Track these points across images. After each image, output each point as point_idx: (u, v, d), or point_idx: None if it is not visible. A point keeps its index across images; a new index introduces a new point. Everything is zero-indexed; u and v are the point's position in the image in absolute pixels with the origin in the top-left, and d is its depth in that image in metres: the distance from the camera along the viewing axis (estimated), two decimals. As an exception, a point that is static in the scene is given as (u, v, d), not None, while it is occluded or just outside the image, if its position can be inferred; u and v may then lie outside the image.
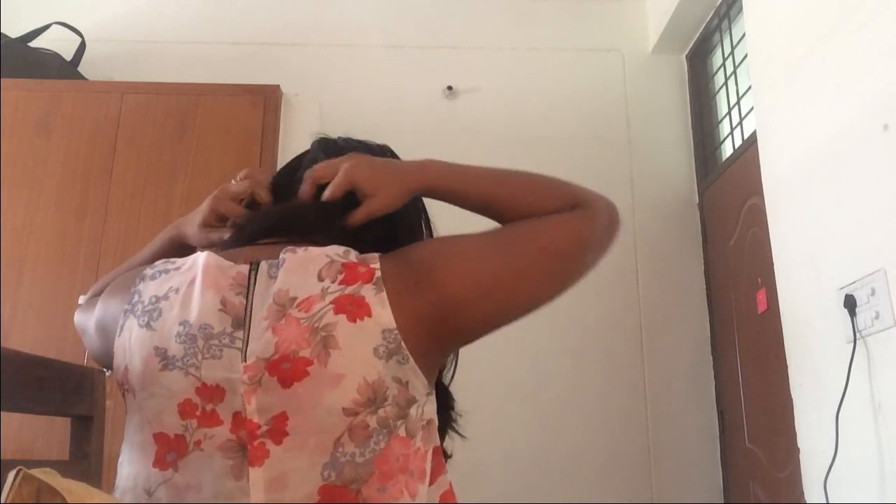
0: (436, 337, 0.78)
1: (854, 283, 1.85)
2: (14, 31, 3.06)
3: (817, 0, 2.10)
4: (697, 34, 3.44)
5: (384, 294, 0.76)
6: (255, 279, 0.80)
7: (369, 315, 0.75)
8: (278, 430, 0.72)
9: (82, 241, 2.59)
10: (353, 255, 0.80)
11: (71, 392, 1.07)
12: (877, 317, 1.75)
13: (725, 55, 3.22)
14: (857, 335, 1.82)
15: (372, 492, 0.72)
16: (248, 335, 0.76)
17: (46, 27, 3.10)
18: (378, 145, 1.06)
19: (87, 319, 0.98)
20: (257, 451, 0.72)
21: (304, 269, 0.78)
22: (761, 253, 2.53)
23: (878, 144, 1.77)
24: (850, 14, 1.92)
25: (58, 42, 3.13)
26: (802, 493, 2.09)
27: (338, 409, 0.73)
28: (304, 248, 0.80)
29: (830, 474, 1.85)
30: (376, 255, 0.80)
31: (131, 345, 0.79)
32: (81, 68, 3.14)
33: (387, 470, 0.73)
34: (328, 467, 0.72)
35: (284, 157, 2.74)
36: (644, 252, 3.31)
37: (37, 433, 2.30)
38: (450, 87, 3.49)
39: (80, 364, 1.18)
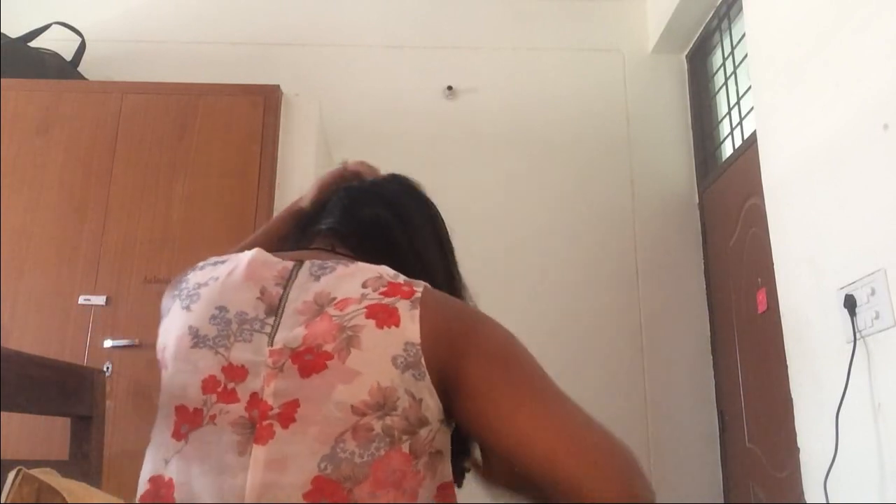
0: (452, 364, 0.78)
1: (854, 283, 1.85)
2: (14, 31, 3.06)
3: (817, 0, 2.10)
4: (697, 34, 3.44)
5: (417, 311, 0.79)
6: (297, 274, 0.86)
7: (397, 325, 0.78)
8: (288, 415, 0.75)
9: (82, 241, 2.59)
10: (401, 278, 0.84)
11: (71, 392, 1.07)
12: (877, 317, 1.75)
13: (725, 55, 3.22)
14: (857, 335, 1.82)
15: (364, 494, 0.73)
16: (279, 322, 0.81)
17: (46, 27, 3.11)
18: (393, 178, 1.10)
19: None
20: (264, 431, 0.75)
21: (352, 276, 0.83)
22: (761, 253, 2.53)
23: (878, 144, 1.77)
24: (850, 14, 1.92)
25: (58, 42, 3.13)
26: (802, 493, 2.09)
27: (346, 405, 0.75)
28: (358, 264, 0.86)
29: (830, 474, 1.85)
30: (423, 282, 0.84)
31: (171, 325, 0.86)
32: (81, 68, 3.15)
33: (381, 478, 0.74)
34: (326, 459, 0.74)
35: (284, 157, 2.76)
36: (644, 252, 3.31)
37: (37, 433, 2.30)
38: (450, 87, 3.49)
39: (80, 364, 1.18)
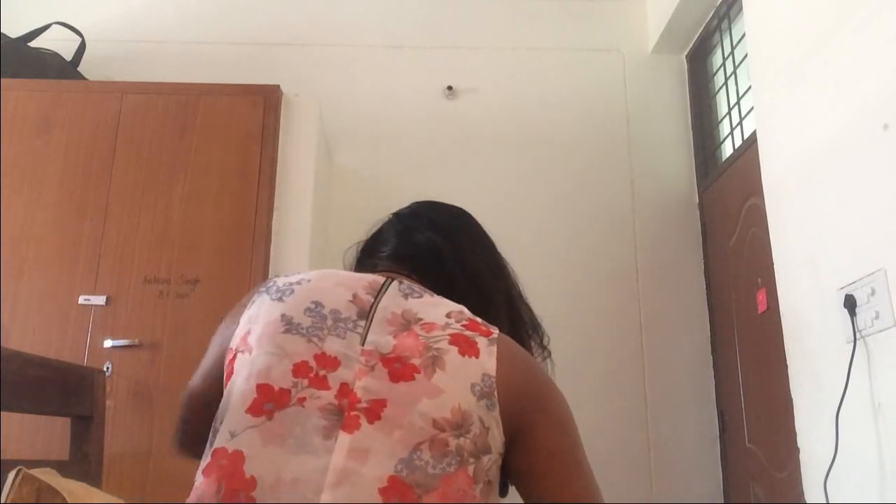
0: (515, 407, 0.85)
1: (854, 283, 1.85)
2: (14, 31, 3.06)
3: (817, 0, 2.10)
4: (697, 34, 3.44)
5: (494, 348, 0.87)
6: (387, 288, 0.94)
7: (476, 357, 0.85)
8: (375, 411, 0.80)
9: (82, 241, 2.59)
10: (480, 319, 0.91)
11: (71, 392, 1.07)
12: (877, 317, 1.75)
13: (725, 55, 3.22)
14: (857, 335, 1.81)
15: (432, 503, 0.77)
16: (370, 327, 0.88)
17: (46, 27, 3.11)
18: (456, 210, 1.16)
19: (201, 367, 1.00)
20: (351, 421, 0.79)
21: (437, 306, 0.92)
22: (761, 253, 2.53)
23: (878, 144, 1.77)
24: (850, 14, 1.92)
25: (58, 42, 3.13)
26: (802, 493, 2.09)
27: (429, 418, 0.80)
28: (439, 297, 0.94)
29: (830, 474, 1.85)
30: (497, 329, 0.91)
31: (259, 313, 0.91)
32: (81, 68, 3.15)
33: (448, 493, 0.78)
34: (403, 463, 0.77)
35: (284, 157, 2.76)
36: (644, 252, 3.31)
37: (37, 433, 2.30)
38: (450, 87, 3.49)
39: (80, 364, 1.18)
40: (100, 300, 2.51)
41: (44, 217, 2.62)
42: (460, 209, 1.16)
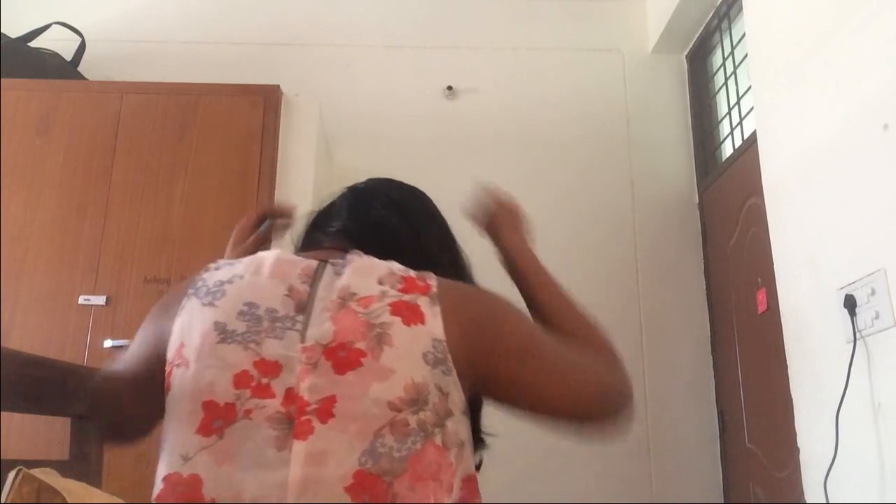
0: (474, 360, 0.84)
1: (854, 283, 1.85)
2: (14, 31, 3.06)
3: (817, 0, 2.10)
4: (697, 34, 3.44)
5: (438, 308, 0.83)
6: (322, 273, 0.87)
7: (422, 322, 0.81)
8: (326, 410, 0.77)
9: (82, 241, 2.59)
10: (412, 272, 0.87)
11: (71, 392, 1.07)
12: (877, 317, 1.75)
13: (725, 55, 3.22)
14: (857, 335, 1.81)
15: (403, 488, 0.75)
16: (309, 320, 0.82)
17: (46, 27, 3.10)
18: (408, 187, 1.13)
19: (115, 362, 0.98)
20: (303, 426, 0.76)
21: (368, 272, 0.86)
22: (761, 253, 2.53)
23: (878, 144, 1.77)
24: (850, 14, 1.92)
25: (58, 42, 3.13)
26: (802, 493, 2.09)
27: (383, 402, 0.77)
28: (369, 257, 0.89)
29: (830, 474, 1.85)
30: (433, 274, 0.88)
31: (191, 321, 0.85)
32: (81, 68, 3.14)
33: (419, 471, 0.76)
34: (366, 454, 0.75)
35: (284, 157, 2.76)
36: (644, 252, 3.31)
37: (37, 433, 2.30)
38: (450, 87, 3.49)
39: (80, 364, 1.18)
40: (100, 300, 2.51)
41: (44, 217, 2.62)
42: (417, 189, 1.12)
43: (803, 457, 2.11)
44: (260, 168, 2.68)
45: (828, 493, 1.86)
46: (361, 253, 0.90)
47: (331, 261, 0.89)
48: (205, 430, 0.78)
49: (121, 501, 0.78)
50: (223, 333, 0.82)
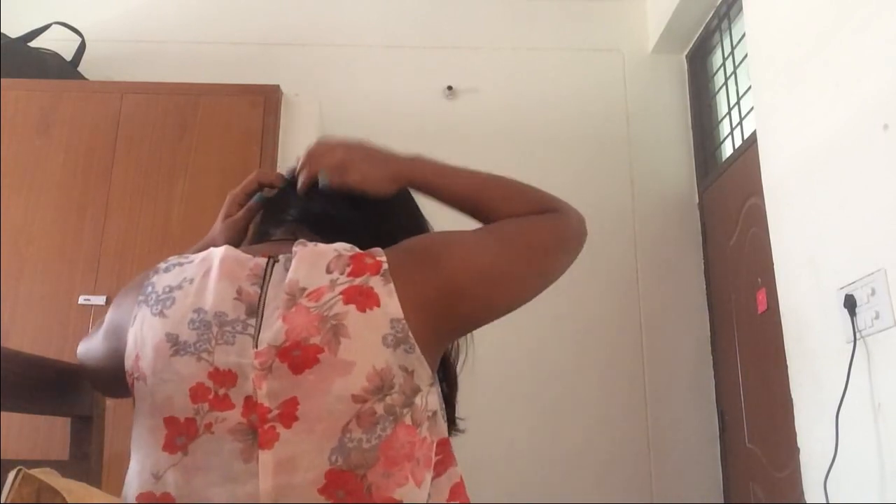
0: (439, 325, 0.82)
1: (854, 283, 1.85)
2: (14, 31, 3.06)
3: (817, 0, 2.10)
4: (697, 34, 3.44)
5: (391, 285, 0.79)
6: (272, 272, 0.83)
7: (378, 305, 0.78)
8: (289, 414, 0.74)
9: (82, 241, 2.59)
10: (356, 250, 0.83)
11: (71, 392, 1.07)
12: (877, 317, 1.75)
13: (725, 55, 3.22)
14: (857, 335, 1.82)
15: (377, 477, 0.74)
16: (261, 323, 0.79)
17: (46, 27, 3.10)
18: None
19: (91, 338, 0.98)
20: (268, 435, 0.74)
21: (314, 262, 0.81)
22: (761, 253, 2.53)
23: (878, 144, 1.77)
24: (850, 14, 1.92)
25: (58, 42, 3.13)
26: (802, 493, 2.09)
27: (347, 396, 0.75)
28: (314, 244, 0.84)
29: (830, 474, 1.85)
30: (380, 248, 0.84)
31: (143, 333, 0.82)
32: (81, 68, 3.14)
33: (392, 456, 0.75)
34: (335, 452, 0.74)
35: (284, 157, 2.76)
36: (644, 252, 3.31)
37: (37, 433, 2.30)
38: (450, 87, 3.49)
39: (81, 364, 1.18)
40: (100, 300, 2.51)
41: (44, 217, 2.62)
42: None
43: (803, 457, 2.11)
44: (260, 168, 2.68)
45: (828, 493, 1.86)
46: (306, 242, 0.85)
47: (280, 256, 0.84)
48: (170, 447, 0.77)
49: (120, 501, 0.78)
50: (176, 345, 0.79)
